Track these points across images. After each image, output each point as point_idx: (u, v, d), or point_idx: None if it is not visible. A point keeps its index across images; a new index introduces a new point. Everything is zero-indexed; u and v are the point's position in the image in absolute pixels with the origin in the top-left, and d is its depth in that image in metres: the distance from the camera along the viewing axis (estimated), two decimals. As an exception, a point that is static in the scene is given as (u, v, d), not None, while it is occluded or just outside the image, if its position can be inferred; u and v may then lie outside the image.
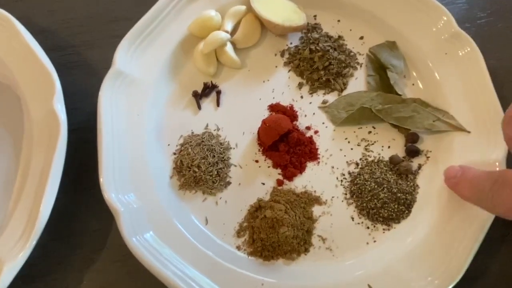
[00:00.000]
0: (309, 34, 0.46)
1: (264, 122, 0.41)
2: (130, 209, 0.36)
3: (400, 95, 0.43)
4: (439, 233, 0.37)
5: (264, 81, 0.46)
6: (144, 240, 0.36)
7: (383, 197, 0.39)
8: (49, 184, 0.37)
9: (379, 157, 0.42)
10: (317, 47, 0.44)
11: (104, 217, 0.42)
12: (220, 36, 0.43)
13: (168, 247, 0.36)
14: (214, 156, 0.41)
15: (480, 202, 0.33)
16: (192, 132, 0.43)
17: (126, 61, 0.42)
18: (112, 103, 0.40)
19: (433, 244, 0.37)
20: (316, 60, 0.44)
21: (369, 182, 0.40)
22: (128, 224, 0.36)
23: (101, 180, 0.37)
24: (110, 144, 0.38)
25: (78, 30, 0.50)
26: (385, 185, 0.39)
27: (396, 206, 0.39)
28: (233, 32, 0.46)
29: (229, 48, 0.45)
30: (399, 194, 0.39)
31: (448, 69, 0.43)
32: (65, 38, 0.49)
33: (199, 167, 0.40)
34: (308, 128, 0.43)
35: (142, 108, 0.42)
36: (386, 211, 0.39)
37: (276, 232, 0.37)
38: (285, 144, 0.41)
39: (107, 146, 0.38)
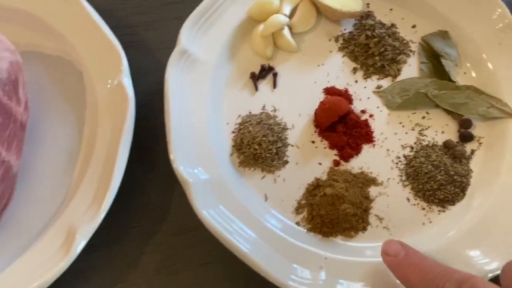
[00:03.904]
0: (363, 21, 0.47)
1: (323, 103, 0.42)
2: (198, 181, 0.37)
3: (454, 82, 0.44)
4: (495, 215, 0.39)
5: (319, 65, 0.47)
6: (213, 211, 0.37)
7: (440, 179, 0.40)
8: (119, 156, 0.38)
9: (433, 142, 0.43)
10: (373, 33, 0.45)
11: (164, 191, 0.43)
12: (280, 19, 0.44)
13: (236, 218, 0.37)
14: (273, 135, 0.42)
15: None
16: (250, 112, 0.44)
17: (190, 40, 0.43)
18: (177, 81, 0.41)
19: (490, 226, 0.38)
20: (372, 46, 0.45)
21: (425, 165, 0.41)
22: (197, 195, 0.36)
23: (171, 155, 0.38)
24: (177, 120, 0.39)
25: (135, 11, 0.51)
26: (442, 168, 0.40)
27: (452, 188, 0.40)
28: (289, 17, 0.47)
29: (286, 31, 0.46)
30: (455, 177, 0.40)
31: (502, 58, 0.44)
32: (122, 18, 0.50)
33: (260, 145, 0.41)
34: (363, 111, 0.44)
35: (203, 87, 0.43)
36: (442, 193, 0.40)
37: (337, 209, 0.38)
38: (342, 125, 0.42)
39: (174, 122, 0.39)
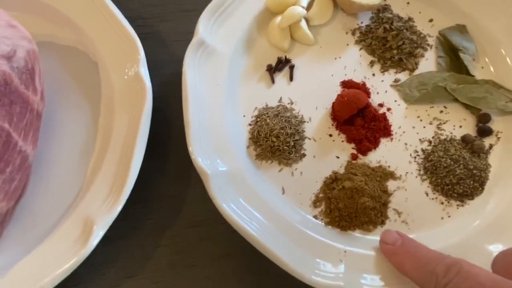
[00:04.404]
0: (380, 14, 0.47)
1: (341, 96, 0.42)
2: (216, 173, 0.37)
3: (472, 76, 0.44)
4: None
5: (336, 58, 0.46)
6: (232, 203, 0.36)
7: (459, 173, 0.40)
8: (137, 147, 0.37)
9: (452, 136, 0.43)
10: (391, 26, 0.45)
11: (178, 184, 0.42)
12: (298, 11, 0.44)
13: (255, 211, 0.37)
14: (291, 127, 0.41)
15: (425, 284, 0.30)
16: (267, 105, 0.44)
17: (207, 31, 0.42)
18: (194, 73, 0.41)
19: (510, 220, 0.38)
20: (390, 39, 0.45)
21: (444, 159, 0.40)
22: (216, 187, 0.36)
23: (189, 147, 0.37)
24: (195, 111, 0.39)
25: (149, 2, 0.50)
26: (461, 162, 0.40)
27: (471, 182, 0.40)
28: (306, 9, 0.47)
29: (303, 24, 0.46)
30: (475, 171, 0.40)
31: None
32: (136, 10, 0.50)
33: (278, 137, 0.41)
34: (380, 105, 0.44)
35: (220, 79, 0.42)
36: (461, 187, 0.40)
37: (356, 202, 0.38)
38: (361, 118, 0.42)
39: (192, 114, 0.39)
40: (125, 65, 0.41)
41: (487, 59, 0.46)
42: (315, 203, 0.40)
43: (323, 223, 0.39)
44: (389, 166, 0.42)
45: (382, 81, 0.45)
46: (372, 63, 0.46)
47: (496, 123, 0.43)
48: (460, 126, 0.43)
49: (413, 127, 0.43)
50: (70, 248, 0.35)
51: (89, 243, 0.34)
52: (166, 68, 0.47)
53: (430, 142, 0.43)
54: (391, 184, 0.41)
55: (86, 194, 0.38)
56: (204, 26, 0.42)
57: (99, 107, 0.43)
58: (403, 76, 0.45)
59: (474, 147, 0.41)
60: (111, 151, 0.39)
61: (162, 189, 0.42)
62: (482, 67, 0.46)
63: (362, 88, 0.44)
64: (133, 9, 0.50)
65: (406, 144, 0.43)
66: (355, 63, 0.46)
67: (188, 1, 0.51)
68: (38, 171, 0.40)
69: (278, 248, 0.34)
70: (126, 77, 0.41)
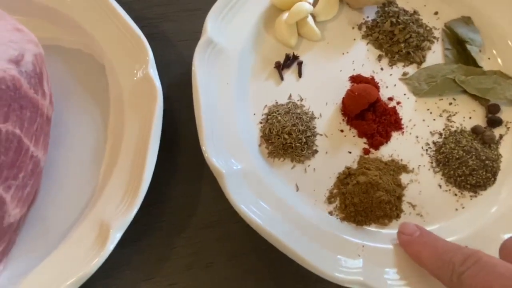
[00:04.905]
0: (386, 8, 0.47)
1: (352, 91, 0.41)
2: (231, 172, 0.37)
3: (480, 67, 0.44)
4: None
5: (343, 53, 0.46)
6: (249, 202, 0.36)
7: (471, 164, 0.40)
8: (150, 148, 0.37)
9: (462, 127, 0.43)
10: (398, 20, 0.45)
11: (190, 184, 0.42)
12: (305, 7, 0.44)
13: (272, 209, 0.36)
14: (303, 124, 0.41)
15: (441, 273, 0.30)
16: (276, 102, 0.44)
17: (215, 30, 0.42)
18: (204, 71, 0.40)
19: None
20: (397, 33, 0.45)
21: (456, 151, 0.41)
22: (231, 186, 0.36)
23: (203, 147, 0.37)
24: (207, 111, 0.39)
25: (153, 3, 0.50)
26: (473, 153, 0.40)
27: (484, 173, 0.40)
28: (312, 5, 0.46)
29: (310, 20, 0.45)
30: (487, 162, 0.40)
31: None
32: (140, 11, 0.50)
33: (290, 134, 0.40)
34: (390, 99, 0.44)
35: (230, 77, 0.42)
36: (474, 178, 0.40)
37: (371, 197, 0.38)
38: (372, 113, 0.42)
39: (204, 113, 0.38)
40: (133, 66, 0.41)
41: (494, 50, 0.46)
42: (330, 199, 0.40)
43: (338, 219, 0.39)
44: (401, 160, 0.42)
45: (391, 75, 0.45)
46: (379, 57, 0.46)
47: (505, 113, 0.44)
48: (470, 118, 0.44)
49: (423, 120, 0.43)
50: (87, 253, 0.35)
51: (106, 247, 0.34)
52: (172, 68, 0.47)
53: (440, 134, 0.43)
54: (404, 178, 0.41)
55: (99, 198, 0.37)
56: (212, 25, 0.42)
57: (108, 110, 0.42)
58: (411, 70, 0.46)
59: (485, 137, 0.42)
60: (124, 154, 0.38)
61: (174, 190, 0.42)
62: (489, 58, 0.46)
63: (371, 83, 0.44)
64: (136, 9, 0.49)
65: (417, 137, 0.43)
66: (363, 58, 0.46)
67: (191, 0, 0.50)
68: (49, 176, 0.40)
69: (300, 247, 0.34)
70: (135, 78, 0.40)
